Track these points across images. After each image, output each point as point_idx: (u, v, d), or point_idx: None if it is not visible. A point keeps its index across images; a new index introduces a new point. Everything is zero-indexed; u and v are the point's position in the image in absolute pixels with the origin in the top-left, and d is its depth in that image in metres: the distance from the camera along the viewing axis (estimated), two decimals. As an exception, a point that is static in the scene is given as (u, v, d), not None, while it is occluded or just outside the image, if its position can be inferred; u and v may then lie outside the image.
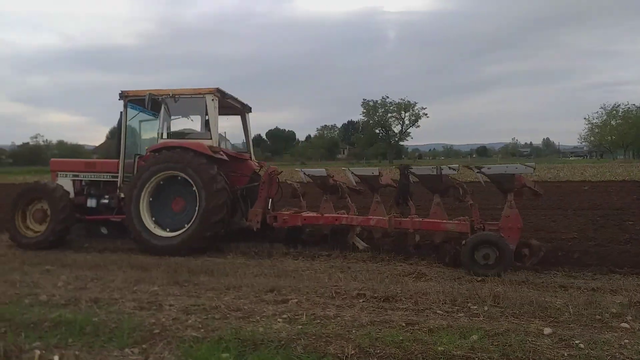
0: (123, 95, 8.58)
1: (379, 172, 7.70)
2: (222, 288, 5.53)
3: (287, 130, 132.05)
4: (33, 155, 78.40)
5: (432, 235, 7.45)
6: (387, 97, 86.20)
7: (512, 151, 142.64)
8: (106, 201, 8.72)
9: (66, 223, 8.35)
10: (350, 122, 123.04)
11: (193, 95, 8.42)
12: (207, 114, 8.47)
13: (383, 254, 7.19)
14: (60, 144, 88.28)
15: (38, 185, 8.84)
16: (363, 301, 4.95)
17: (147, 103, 8.20)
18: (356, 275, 6.02)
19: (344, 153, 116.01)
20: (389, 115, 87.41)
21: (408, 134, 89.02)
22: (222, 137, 9.07)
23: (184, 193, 7.92)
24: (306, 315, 4.48)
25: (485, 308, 4.65)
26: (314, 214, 7.96)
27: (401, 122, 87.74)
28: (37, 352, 2.88)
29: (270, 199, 8.32)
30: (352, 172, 7.99)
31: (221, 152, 8.16)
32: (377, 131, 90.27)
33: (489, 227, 6.80)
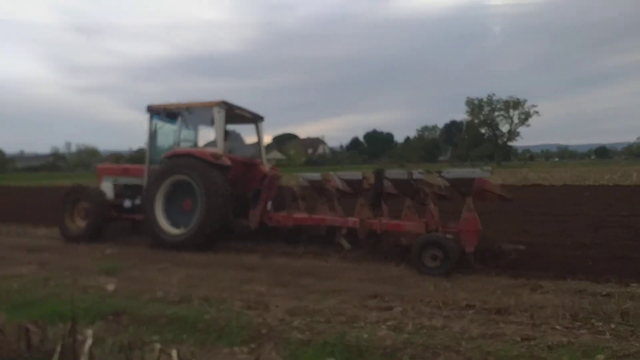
0: (150, 109, 9.58)
1: (362, 176, 8.03)
2: (325, 291, 5.53)
3: (385, 132, 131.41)
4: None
5: (402, 237, 7.59)
6: (494, 94, 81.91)
7: (637, 151, 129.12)
8: (138, 202, 9.56)
9: (101, 220, 9.52)
10: (453, 122, 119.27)
11: (203, 107, 9.27)
12: (213, 123, 9.18)
13: (490, 267, 6.77)
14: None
15: (81, 188, 10.01)
16: (473, 312, 4.69)
17: (162, 116, 9.46)
18: (464, 285, 5.71)
19: (446, 154, 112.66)
20: (496, 114, 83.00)
21: (517, 134, 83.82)
22: (248, 146, 9.69)
23: (192, 195, 8.59)
24: (412, 324, 4.33)
25: (612, 326, 4.21)
26: (304, 215, 8.43)
27: (509, 121, 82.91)
28: (157, 345, 3.04)
29: (270, 201, 8.75)
30: (339, 177, 8.33)
31: (224, 159, 8.74)
32: (482, 131, 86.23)
33: (447, 229, 7.01)
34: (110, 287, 5.75)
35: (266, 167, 10.05)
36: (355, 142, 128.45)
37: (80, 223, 9.73)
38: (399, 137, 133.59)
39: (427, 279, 6.07)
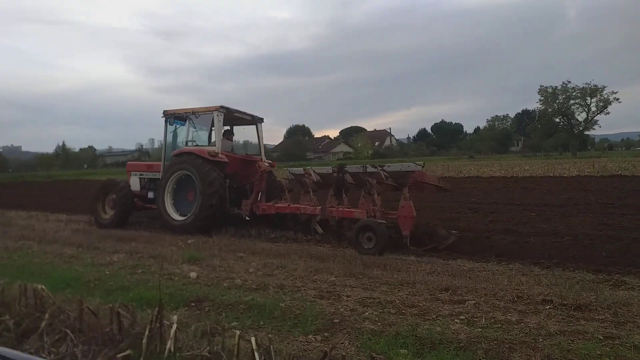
0: (165, 114, 10.96)
1: (332, 170, 8.89)
2: (395, 283, 5.57)
3: (453, 122, 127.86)
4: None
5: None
6: (569, 82, 76.91)
7: None
8: None
9: (125, 210, 11.04)
10: (525, 112, 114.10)
11: (205, 112, 10.49)
12: (213, 126, 10.46)
13: (568, 261, 6.50)
14: (246, 143, 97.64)
15: (110, 182, 11.74)
16: (550, 308, 4.55)
17: (169, 119, 10.93)
18: (540, 280, 5.55)
19: (517, 145, 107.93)
20: (572, 102, 78.09)
21: (595, 123, 78.59)
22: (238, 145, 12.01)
23: (194, 188, 9.76)
24: (485, 319, 4.28)
25: None
26: (284, 205, 9.52)
27: (586, 109, 77.80)
28: (237, 332, 3.20)
29: (260, 193, 9.95)
30: (315, 171, 9.28)
31: (219, 156, 9.89)
32: (557, 120, 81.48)
33: (385, 215, 8.00)
34: (193, 274, 6.09)
35: (265, 163, 10.89)
36: (422, 133, 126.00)
37: (110, 212, 11.23)
38: (469, 128, 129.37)
39: (500, 273, 5.95)
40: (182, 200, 10.18)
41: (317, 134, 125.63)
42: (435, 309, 4.59)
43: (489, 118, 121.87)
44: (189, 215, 9.71)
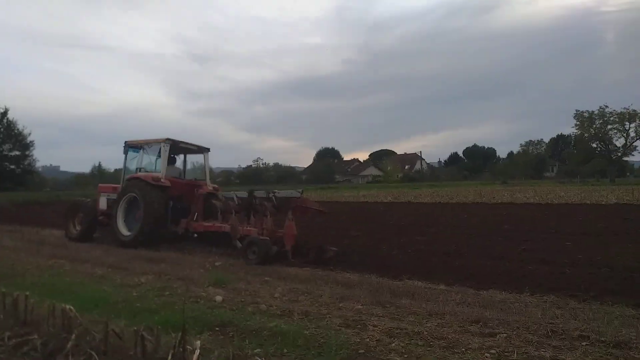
0: (125, 143, 12.51)
1: (249, 195, 10.33)
2: (424, 313, 5.42)
3: (486, 147, 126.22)
4: (255, 175, 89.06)
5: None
6: (606, 106, 74.83)
7: None
8: None
9: (90, 226, 12.62)
10: (560, 136, 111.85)
11: (155, 143, 11.99)
12: (159, 155, 11.89)
13: (606, 294, 6.20)
14: (276, 166, 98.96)
15: (77, 202, 13.65)
16: (586, 344, 4.33)
17: (126, 150, 12.46)
18: (576, 314, 5.30)
19: (552, 171, 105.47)
20: (609, 127, 75.93)
21: (634, 148, 75.96)
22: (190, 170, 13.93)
23: (141, 207, 11.04)
24: (517, 353, 4.11)
25: None
26: (209, 224, 10.90)
27: (624, 134, 75.47)
28: (260, 360, 3.15)
29: (197, 213, 11.23)
30: (236, 195, 10.75)
31: (162, 180, 11.34)
32: (593, 145, 79.26)
33: (274, 233, 9.58)
34: (218, 298, 6.07)
35: (209, 187, 12.19)
36: (454, 157, 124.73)
37: (78, 227, 12.81)
38: (502, 152, 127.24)
39: (534, 305, 5.72)
40: (131, 219, 11.52)
41: (347, 157, 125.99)
42: (465, 342, 4.43)
43: (523, 142, 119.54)
44: (134, 232, 11.11)
